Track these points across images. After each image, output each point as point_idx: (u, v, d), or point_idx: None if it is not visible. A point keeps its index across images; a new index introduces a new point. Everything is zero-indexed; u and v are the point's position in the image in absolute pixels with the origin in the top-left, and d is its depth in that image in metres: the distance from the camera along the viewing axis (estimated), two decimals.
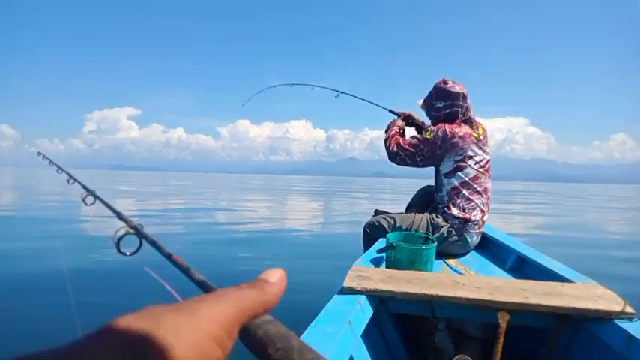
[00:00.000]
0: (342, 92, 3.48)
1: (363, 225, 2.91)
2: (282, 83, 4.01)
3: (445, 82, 2.87)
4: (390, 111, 3.24)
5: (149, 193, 18.50)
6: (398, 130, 3.03)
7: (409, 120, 3.18)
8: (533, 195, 27.63)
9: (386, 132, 3.04)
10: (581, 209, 15.08)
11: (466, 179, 2.75)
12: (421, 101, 3.02)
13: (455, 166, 2.76)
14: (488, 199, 2.82)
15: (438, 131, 2.75)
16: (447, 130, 2.74)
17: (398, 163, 2.90)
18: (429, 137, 2.76)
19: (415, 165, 2.85)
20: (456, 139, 2.72)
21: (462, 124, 2.79)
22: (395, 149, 2.86)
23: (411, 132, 3.18)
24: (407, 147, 2.82)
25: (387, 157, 2.96)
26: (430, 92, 2.93)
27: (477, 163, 2.76)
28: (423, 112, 3.03)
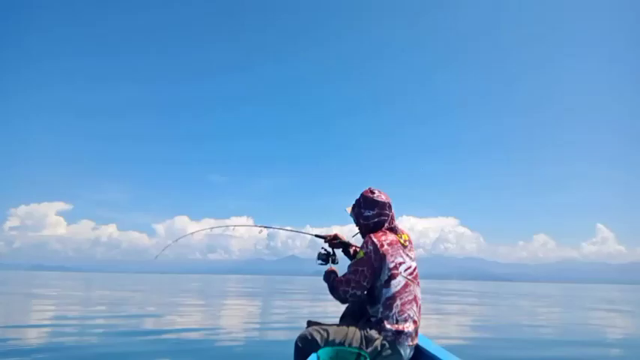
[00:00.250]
0: (265, 227, 3.67)
1: (295, 338, 2.81)
2: (201, 229, 4.05)
3: (372, 192, 3.03)
4: (316, 236, 3.36)
5: (63, 297, 16.42)
6: (337, 276, 3.02)
7: (336, 241, 3.31)
8: (468, 294, 28.85)
9: (327, 282, 3.03)
10: (514, 308, 15.64)
11: (398, 288, 2.78)
12: (349, 209, 3.14)
13: (389, 274, 2.78)
14: (419, 307, 2.85)
15: (367, 245, 2.82)
16: (375, 240, 2.82)
17: (351, 299, 2.88)
18: (362, 256, 2.81)
19: (364, 289, 2.84)
20: (385, 247, 2.79)
21: (388, 232, 2.91)
22: (342, 289, 2.84)
23: (338, 252, 3.29)
24: (351, 280, 2.81)
25: (338, 302, 2.96)
26: (358, 201, 3.07)
27: (406, 270, 2.83)
28: (352, 219, 3.15)
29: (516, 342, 7.12)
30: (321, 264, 3.24)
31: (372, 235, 2.85)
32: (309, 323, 2.97)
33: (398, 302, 2.76)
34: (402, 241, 2.88)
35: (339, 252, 3.33)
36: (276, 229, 3.82)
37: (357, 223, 3.09)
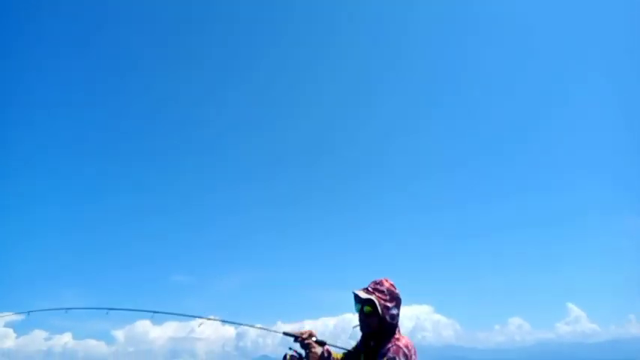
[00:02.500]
0: (228, 322, 3.76)
1: None
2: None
3: (395, 287, 2.94)
4: (286, 334, 3.17)
5: None
6: None
7: (310, 341, 3.01)
8: None
9: None
10: None
11: None
12: (364, 295, 2.90)
13: None
14: None
15: (400, 357, 2.77)
16: (405, 350, 2.81)
17: None
18: None
19: None
20: (413, 354, 2.81)
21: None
22: None
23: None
24: None
25: None
26: (381, 292, 2.88)
27: None
28: (354, 308, 3.02)
29: None
30: None
31: (398, 343, 2.82)
32: None
33: None
34: None
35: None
36: (245, 327, 3.81)
37: (377, 318, 2.88)
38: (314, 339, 3.07)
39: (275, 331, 3.39)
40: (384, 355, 2.77)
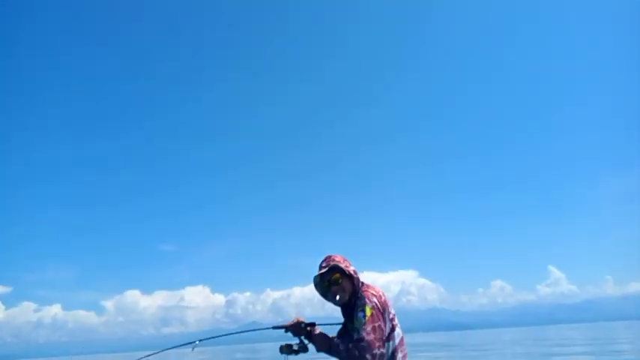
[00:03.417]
0: (201, 340, 3.50)
1: None
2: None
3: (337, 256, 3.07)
4: (274, 327, 3.22)
5: None
6: (346, 344, 2.82)
7: (301, 326, 3.08)
8: (436, 347, 29.58)
9: (336, 352, 2.86)
10: (484, 357, 17.18)
11: (398, 340, 2.84)
12: (323, 270, 3.01)
13: (391, 326, 2.84)
14: None
15: (370, 298, 2.82)
16: (374, 292, 2.89)
17: None
18: (372, 311, 2.78)
19: (384, 346, 2.81)
20: (384, 298, 2.89)
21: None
22: (370, 355, 2.71)
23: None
24: (374, 340, 2.73)
25: None
26: (332, 260, 3.00)
27: (398, 322, 2.90)
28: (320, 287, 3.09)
29: None
30: (290, 353, 3.12)
31: (367, 289, 2.90)
32: None
33: (400, 355, 2.82)
34: None
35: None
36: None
37: (347, 279, 2.98)
38: (303, 324, 3.12)
39: (259, 329, 3.47)
40: (357, 306, 2.86)
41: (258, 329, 3.51)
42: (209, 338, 3.67)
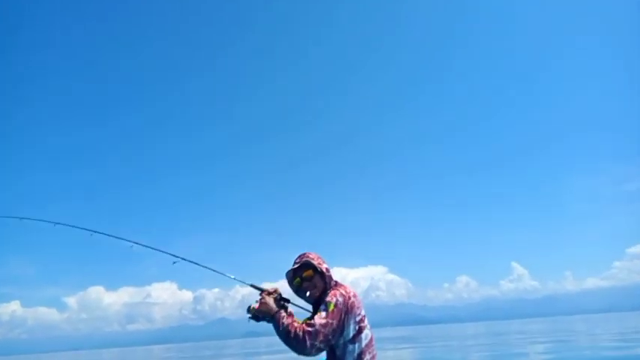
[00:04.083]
0: (182, 259, 3.47)
1: None
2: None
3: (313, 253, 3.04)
4: (252, 285, 3.13)
5: None
6: (293, 319, 2.86)
7: (277, 296, 3.00)
8: (402, 341, 29.07)
9: (281, 326, 2.86)
10: (448, 351, 17.34)
11: (367, 341, 2.82)
12: (296, 266, 3.01)
13: (357, 328, 2.82)
14: None
15: (337, 297, 2.82)
16: (344, 291, 2.82)
17: (313, 355, 2.81)
18: (332, 309, 2.80)
19: (327, 347, 2.82)
20: (352, 300, 2.83)
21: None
22: (309, 342, 2.76)
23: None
24: (320, 333, 2.78)
25: (297, 354, 2.82)
26: (306, 260, 2.97)
27: (368, 323, 2.84)
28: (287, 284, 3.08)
29: None
30: (252, 319, 3.02)
31: (337, 288, 2.85)
32: None
33: (368, 357, 2.81)
34: None
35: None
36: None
37: (319, 275, 2.94)
38: (278, 296, 3.06)
39: (242, 282, 3.26)
40: (322, 301, 2.84)
41: (238, 281, 3.32)
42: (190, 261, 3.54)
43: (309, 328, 2.75)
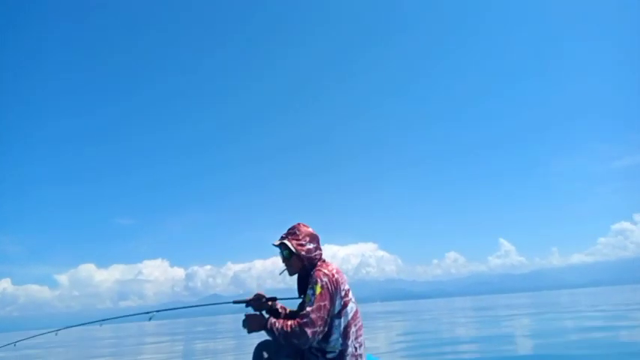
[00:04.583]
0: (158, 311, 3.51)
1: None
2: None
3: (307, 226, 3.13)
4: (235, 302, 3.22)
5: None
6: (284, 320, 2.91)
7: (262, 301, 3.18)
8: (391, 315, 29.26)
9: (276, 331, 2.88)
10: (436, 324, 17.33)
11: (352, 314, 2.94)
12: (277, 242, 3.11)
13: (342, 302, 2.91)
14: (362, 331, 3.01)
15: (321, 278, 2.88)
16: (326, 271, 2.93)
17: (318, 339, 2.86)
18: (320, 290, 2.84)
19: (327, 325, 2.87)
20: (336, 277, 2.93)
21: (328, 262, 3.08)
22: (311, 331, 2.79)
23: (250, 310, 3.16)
24: (317, 318, 2.80)
25: (303, 344, 2.84)
26: (294, 234, 3.08)
27: (352, 295, 3.00)
28: (279, 255, 3.14)
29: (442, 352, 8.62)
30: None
31: (320, 268, 2.96)
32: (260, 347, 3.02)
33: (354, 329, 2.92)
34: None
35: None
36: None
37: (296, 257, 3.06)
38: (264, 299, 3.19)
39: (225, 302, 3.41)
40: (309, 283, 2.93)
41: (219, 303, 3.61)
42: (167, 310, 3.69)
43: (304, 320, 2.80)
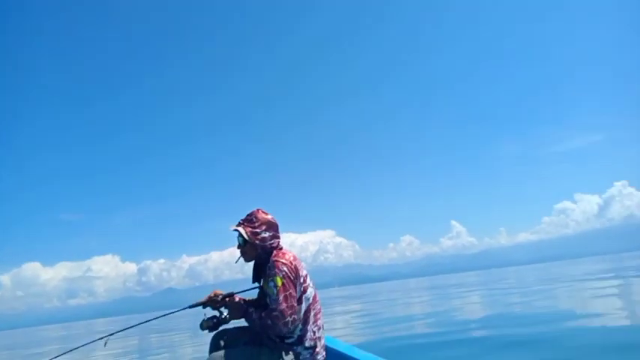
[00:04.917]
0: (112, 334, 3.38)
1: None
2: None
3: (265, 213, 3.09)
4: (191, 306, 3.21)
5: None
6: (258, 314, 2.93)
7: (218, 300, 3.15)
8: (348, 299, 29.82)
9: (252, 322, 2.99)
10: (391, 305, 18.53)
11: (311, 299, 2.98)
12: (236, 227, 3.08)
13: (302, 288, 2.94)
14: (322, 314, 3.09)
15: (280, 268, 2.88)
16: (284, 260, 2.93)
17: (291, 328, 2.89)
18: (282, 281, 2.85)
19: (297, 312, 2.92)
20: (294, 264, 2.95)
21: (285, 250, 3.09)
22: (282, 322, 2.81)
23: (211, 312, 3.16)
24: (286, 309, 2.81)
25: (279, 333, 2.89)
26: (250, 221, 3.05)
27: (311, 280, 3.04)
28: (236, 241, 3.10)
29: (406, 331, 8.93)
30: (211, 329, 3.11)
31: (277, 258, 2.94)
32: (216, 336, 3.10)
33: (312, 313, 2.97)
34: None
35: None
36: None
37: (250, 245, 3.04)
38: (220, 297, 3.15)
39: (179, 310, 3.41)
40: (267, 275, 2.92)
41: (173, 312, 3.53)
42: (120, 331, 3.60)
43: (274, 313, 2.81)
